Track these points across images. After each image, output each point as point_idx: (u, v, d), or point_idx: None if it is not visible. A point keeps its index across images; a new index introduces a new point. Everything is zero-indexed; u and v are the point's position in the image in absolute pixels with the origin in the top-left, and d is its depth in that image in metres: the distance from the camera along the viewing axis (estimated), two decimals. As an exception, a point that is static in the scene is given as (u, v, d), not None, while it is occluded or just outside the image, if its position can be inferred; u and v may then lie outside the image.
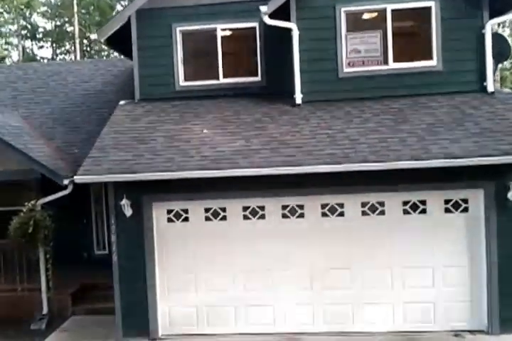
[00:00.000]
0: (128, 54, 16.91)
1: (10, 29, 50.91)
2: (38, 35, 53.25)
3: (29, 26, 52.42)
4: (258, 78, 16.23)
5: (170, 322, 13.82)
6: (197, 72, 16.25)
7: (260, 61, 16.04)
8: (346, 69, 15.28)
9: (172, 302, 13.83)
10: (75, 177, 13.13)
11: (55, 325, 15.15)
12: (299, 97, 15.24)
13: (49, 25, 53.21)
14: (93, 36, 42.34)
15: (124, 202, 13.43)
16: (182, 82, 16.36)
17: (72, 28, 49.36)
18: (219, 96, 16.09)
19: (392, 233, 13.54)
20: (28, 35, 52.59)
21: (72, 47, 50.04)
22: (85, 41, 50.77)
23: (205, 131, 14.35)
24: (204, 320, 13.87)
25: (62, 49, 53.53)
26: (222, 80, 16.22)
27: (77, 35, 47.38)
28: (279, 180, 13.08)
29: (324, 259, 13.67)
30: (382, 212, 13.69)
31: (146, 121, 15.22)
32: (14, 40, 51.54)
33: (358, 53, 15.43)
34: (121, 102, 16.36)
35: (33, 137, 17.43)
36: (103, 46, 47.67)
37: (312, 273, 13.78)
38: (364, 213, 13.73)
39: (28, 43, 53.84)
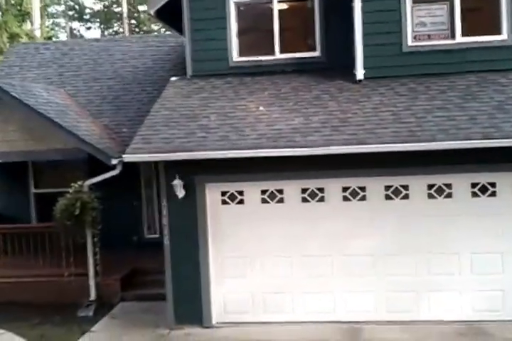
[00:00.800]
0: (179, 28, 16.16)
1: (57, 10, 50.44)
2: (85, 16, 52.70)
3: (76, 7, 51.82)
4: (317, 53, 15.30)
5: (224, 309, 13.13)
6: (252, 46, 15.28)
7: (319, 35, 15.11)
8: (411, 44, 14.33)
9: (226, 288, 13.12)
10: (123, 155, 12.48)
11: (104, 311, 14.58)
12: (360, 73, 14.35)
13: (97, 6, 52.70)
14: (142, 8, 41.43)
15: (176, 182, 12.75)
16: (236, 58, 15.49)
17: (120, 8, 48.66)
18: (275, 72, 15.21)
19: (459, 217, 12.74)
20: (76, 15, 52.01)
21: (121, 29, 49.42)
22: (134, 21, 49.94)
23: (261, 108, 13.62)
24: (260, 307, 13.14)
25: (111, 30, 52.87)
26: (278, 55, 15.33)
27: (125, 15, 46.72)
28: (340, 160, 12.33)
29: (388, 244, 12.94)
30: (449, 195, 12.84)
31: (199, 97, 14.47)
32: (61, 21, 51.05)
33: (424, 26, 14.50)
34: (173, 78, 15.64)
35: (79, 115, 16.89)
36: (152, 26, 47.00)
37: (375, 258, 13.07)
38: (430, 196, 12.87)
39: (75, 24, 53.38)
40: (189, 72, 15.61)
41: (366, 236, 12.77)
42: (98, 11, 52.39)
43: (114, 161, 14.28)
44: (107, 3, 51.76)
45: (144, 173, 18.18)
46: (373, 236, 12.81)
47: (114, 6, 51.10)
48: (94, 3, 52.02)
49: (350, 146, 12.03)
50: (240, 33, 15.45)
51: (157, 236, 17.49)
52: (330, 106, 13.53)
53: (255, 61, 15.42)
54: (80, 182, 14.84)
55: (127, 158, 12.45)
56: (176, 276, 12.95)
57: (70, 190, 14.78)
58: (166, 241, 12.95)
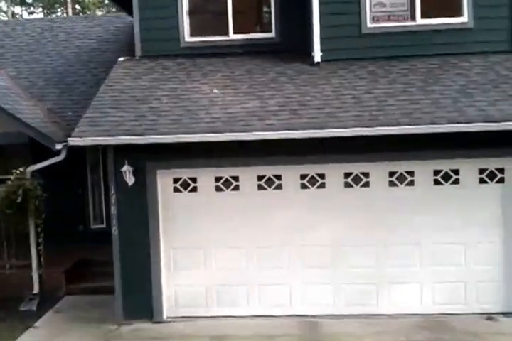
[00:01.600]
0: (129, 9, 15.22)
1: (-2, -6, 48.76)
2: (28, 0, 50.99)
3: (18, -9, 50.18)
4: (272, 34, 14.67)
5: (176, 303, 12.53)
6: (204, 26, 14.73)
7: (275, 15, 14.43)
8: (370, 25, 13.77)
9: (178, 281, 12.50)
10: (69, 139, 11.72)
11: (48, 305, 13.86)
12: (318, 55, 13.69)
13: (40, -11, 51.02)
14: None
15: (126, 168, 12.04)
16: (188, 38, 14.76)
17: (63, -9, 47.23)
18: (228, 54, 14.55)
19: (421, 206, 12.20)
20: (18, 0, 50.33)
21: (64, 14, 47.92)
22: (78, 7, 48.57)
23: (214, 90, 12.98)
24: (214, 300, 12.56)
25: (54, 15, 51.29)
26: (232, 36, 14.70)
27: (69, -1, 45.25)
28: (299, 146, 11.77)
29: (346, 235, 12.39)
30: (411, 183, 12.29)
31: (148, 79, 13.75)
32: (3, 5, 49.37)
33: (383, 7, 13.91)
34: (120, 59, 14.87)
35: (21, 98, 15.98)
36: (97, 12, 45.67)
37: (333, 249, 12.50)
38: (392, 183, 12.34)
39: (17, 9, 51.66)
40: (138, 52, 14.85)
41: (324, 226, 12.24)
42: (41, -5, 50.69)
43: (58, 146, 13.49)
44: (50, -14, 50.11)
45: (90, 159, 17.21)
46: (332, 226, 12.30)
47: (58, -11, 49.52)
48: (36, -14, 50.31)
49: (311, 131, 11.36)
50: (192, 12, 14.71)
51: (104, 226, 16.85)
52: (287, 88, 12.89)
53: (207, 42, 14.73)
54: (21, 169, 14.00)
55: (72, 141, 11.69)
56: (124, 268, 12.29)
57: (12, 177, 13.96)
58: (115, 231, 12.27)
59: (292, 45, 14.33)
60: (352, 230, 12.27)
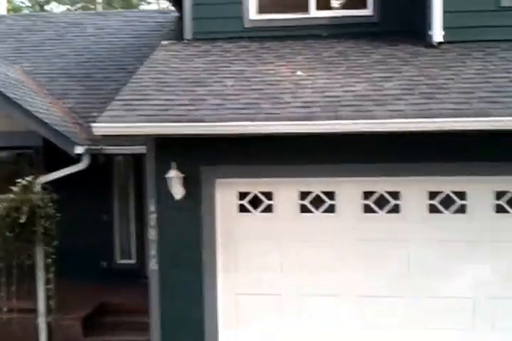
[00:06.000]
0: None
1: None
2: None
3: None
4: (368, 11, 11.01)
5: (239, 369, 8.87)
6: (276, 1, 11.33)
7: (373, -15, 10.85)
8: (508, -5, 10.08)
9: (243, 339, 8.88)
10: (92, 125, 8.25)
11: (58, 367, 10.33)
12: (438, 34, 9.97)
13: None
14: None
15: (173, 174, 8.52)
16: (254, 15, 11.12)
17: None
18: (308, 36, 10.94)
19: None
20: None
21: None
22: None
23: (298, 72, 9.42)
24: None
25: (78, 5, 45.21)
26: (313, 13, 11.05)
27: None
28: (435, 143, 8.24)
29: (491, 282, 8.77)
30: None
31: (204, 61, 10.20)
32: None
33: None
34: (164, 42, 11.36)
35: (35, 93, 12.95)
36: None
37: (476, 301, 8.83)
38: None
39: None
40: (187, 34, 11.21)
41: (464, 268, 8.69)
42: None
43: (78, 149, 10.79)
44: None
45: (118, 169, 14.05)
46: (475, 267, 8.66)
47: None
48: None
49: (469, 118, 7.58)
50: (261, -19, 11.03)
51: (133, 261, 13.86)
52: (405, 71, 9.26)
53: (280, 20, 11.08)
54: (28, 178, 10.75)
55: (98, 128, 8.17)
56: (165, 320, 8.89)
57: (15, 189, 10.68)
58: (153, 265, 8.92)
59: (396, 24, 10.72)
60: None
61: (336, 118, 7.81)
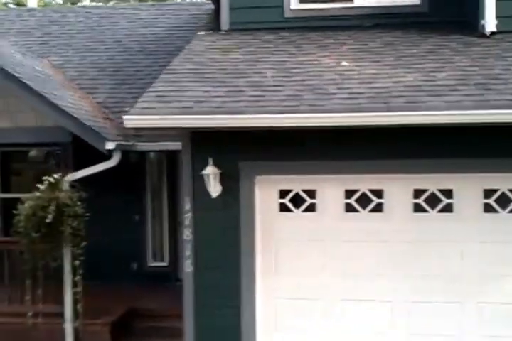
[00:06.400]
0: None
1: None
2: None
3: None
4: (416, 0, 10.36)
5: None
6: (319, -12, 10.47)
7: (422, -27, 10.12)
8: None
9: None
10: (124, 117, 7.68)
11: (85, 376, 9.73)
12: (491, 23, 9.31)
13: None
14: None
15: (210, 170, 7.92)
16: (295, 4, 10.54)
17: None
18: (352, 27, 10.33)
19: None
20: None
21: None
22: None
23: (343, 63, 8.81)
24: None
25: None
26: (357, 2, 10.43)
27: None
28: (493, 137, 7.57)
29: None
30: None
31: (242, 52, 9.60)
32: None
33: None
34: (201, 33, 10.82)
35: (64, 87, 12.41)
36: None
37: None
38: None
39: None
40: (224, 24, 10.67)
41: None
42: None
43: (109, 145, 10.22)
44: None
45: (151, 167, 13.31)
46: None
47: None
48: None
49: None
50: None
51: (165, 264, 13.26)
52: (458, 61, 8.62)
53: (321, 10, 10.49)
54: (56, 175, 10.07)
55: (129, 120, 7.63)
56: (200, 326, 8.28)
57: (41, 187, 10.00)
58: (188, 267, 8.32)
59: (445, 14, 10.10)
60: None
61: (388, 109, 7.10)
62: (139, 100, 7.87)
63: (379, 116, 7.14)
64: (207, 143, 8.06)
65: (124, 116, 7.50)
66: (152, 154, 12.85)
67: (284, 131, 7.64)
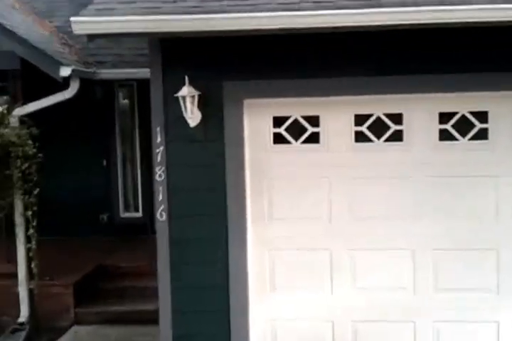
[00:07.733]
0: None
1: None
2: None
3: None
4: None
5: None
6: None
7: None
8: None
9: (278, 312, 7.02)
10: (71, 19, 5.95)
11: (41, 342, 8.79)
12: None
13: None
14: None
15: (186, 91, 6.30)
16: None
17: None
18: None
19: None
20: None
21: None
22: None
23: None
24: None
25: None
26: None
27: None
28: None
29: None
30: None
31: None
32: None
33: None
34: None
35: (15, 9, 11.25)
36: None
37: None
38: None
39: None
40: None
41: None
42: None
43: (64, 71, 8.91)
44: None
45: (120, 101, 12.11)
46: None
47: None
48: None
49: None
50: None
51: (139, 214, 12.41)
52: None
53: None
54: (1, 108, 9.00)
55: (79, 24, 5.91)
56: (177, 284, 6.88)
57: None
58: (161, 216, 6.82)
59: None
60: None
61: (415, 4, 5.48)
62: (94, 1, 6.16)
63: (401, 13, 5.53)
64: (182, 56, 6.55)
65: (72, 18, 5.84)
66: (121, 87, 11.73)
67: (280, 40, 6.19)
